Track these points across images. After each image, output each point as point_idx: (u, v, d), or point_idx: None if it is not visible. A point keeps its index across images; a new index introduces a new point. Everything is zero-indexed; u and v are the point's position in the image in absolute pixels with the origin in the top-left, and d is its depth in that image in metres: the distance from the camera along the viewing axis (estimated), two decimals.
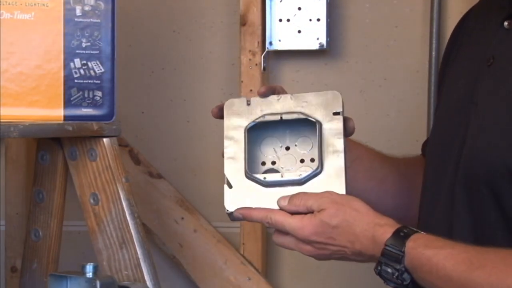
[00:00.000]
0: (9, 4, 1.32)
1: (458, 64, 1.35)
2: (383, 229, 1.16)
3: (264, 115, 1.28)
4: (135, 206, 1.39)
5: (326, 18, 1.91)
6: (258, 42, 1.92)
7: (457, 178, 1.22)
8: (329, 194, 1.21)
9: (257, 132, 1.28)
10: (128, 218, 1.37)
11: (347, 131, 1.30)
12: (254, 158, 1.27)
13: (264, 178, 1.24)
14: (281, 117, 1.28)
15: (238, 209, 1.25)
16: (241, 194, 1.25)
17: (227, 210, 1.26)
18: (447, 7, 1.89)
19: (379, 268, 1.15)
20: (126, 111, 1.98)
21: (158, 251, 2.00)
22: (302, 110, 1.27)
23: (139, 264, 1.37)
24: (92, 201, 1.40)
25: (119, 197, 1.37)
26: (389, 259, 1.14)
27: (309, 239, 1.19)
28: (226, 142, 1.27)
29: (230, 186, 1.26)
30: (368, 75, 1.96)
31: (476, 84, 1.24)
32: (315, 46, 1.92)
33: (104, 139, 1.38)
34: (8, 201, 1.95)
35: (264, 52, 1.92)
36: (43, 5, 1.33)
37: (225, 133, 1.28)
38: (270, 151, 1.30)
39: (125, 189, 1.38)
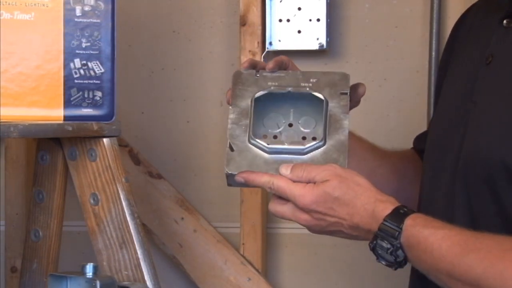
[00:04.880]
0: (9, 4, 1.32)
1: (457, 63, 1.35)
2: (384, 205, 1.17)
3: (271, 87, 1.29)
4: (135, 206, 1.39)
5: (326, 18, 1.91)
6: (258, 42, 1.92)
7: (456, 176, 1.23)
8: (332, 167, 1.20)
9: (262, 106, 1.28)
10: (128, 218, 1.37)
11: (357, 96, 1.32)
12: (257, 131, 1.27)
13: (268, 144, 1.24)
14: (289, 91, 1.28)
15: (240, 173, 1.23)
16: (242, 158, 1.24)
17: (227, 172, 1.24)
18: (447, 7, 1.89)
19: (374, 242, 1.16)
20: (126, 111, 1.98)
21: (158, 251, 2.00)
22: (310, 87, 1.28)
23: (139, 264, 1.37)
24: (92, 201, 1.40)
25: (119, 197, 1.37)
26: (385, 234, 1.14)
27: (309, 208, 1.19)
28: (231, 109, 1.28)
29: (232, 150, 1.25)
30: (368, 75, 1.96)
31: (475, 82, 1.25)
32: (315, 46, 1.92)
33: (104, 139, 1.38)
34: (8, 202, 1.96)
35: (264, 52, 1.92)
36: (43, 5, 1.33)
37: (231, 101, 1.28)
38: (273, 126, 1.29)
39: (125, 189, 1.38)
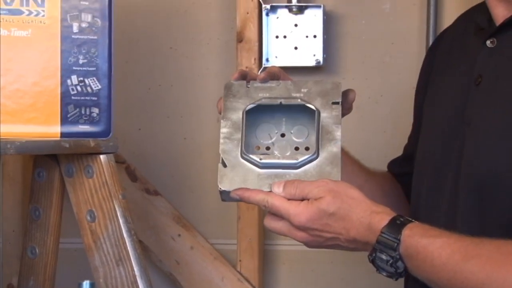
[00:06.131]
0: (6, 21, 1.32)
1: (441, 86, 1.37)
2: (380, 216, 1.17)
3: (263, 99, 1.28)
4: (132, 223, 1.38)
5: (323, 35, 1.92)
6: (254, 59, 1.92)
7: (457, 195, 1.24)
8: (324, 182, 1.20)
9: (254, 117, 1.28)
10: (125, 235, 1.37)
11: (348, 102, 1.32)
12: (249, 142, 1.27)
13: (260, 159, 1.24)
14: (280, 102, 1.28)
15: (235, 190, 1.23)
16: (235, 174, 1.24)
17: (220, 189, 1.24)
18: (442, 24, 1.90)
19: (373, 255, 1.16)
20: (123, 128, 1.98)
21: (155, 268, 2.00)
22: (302, 97, 1.28)
23: (135, 281, 1.36)
24: (88, 218, 1.39)
25: (115, 214, 1.37)
26: (384, 246, 1.14)
27: (305, 226, 1.19)
28: (222, 123, 1.28)
29: (224, 165, 1.25)
30: (365, 92, 1.96)
31: (466, 103, 1.26)
32: (311, 62, 1.93)
33: (101, 156, 1.38)
34: (4, 218, 1.95)
35: (261, 69, 1.92)
36: (40, 22, 1.34)
37: (223, 113, 1.28)
38: (265, 137, 1.30)
39: (122, 206, 1.37)
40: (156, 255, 1.99)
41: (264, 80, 1.30)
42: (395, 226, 1.15)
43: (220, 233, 2.04)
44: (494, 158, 1.19)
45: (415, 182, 1.37)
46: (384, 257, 1.14)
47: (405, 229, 1.14)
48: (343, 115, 1.29)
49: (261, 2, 1.90)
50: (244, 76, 1.31)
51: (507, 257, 1.08)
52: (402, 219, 1.16)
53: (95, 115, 1.37)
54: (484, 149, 1.21)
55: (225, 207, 1.92)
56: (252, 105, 1.28)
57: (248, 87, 1.30)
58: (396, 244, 1.14)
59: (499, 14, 1.27)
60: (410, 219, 1.17)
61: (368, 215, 1.17)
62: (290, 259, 2.03)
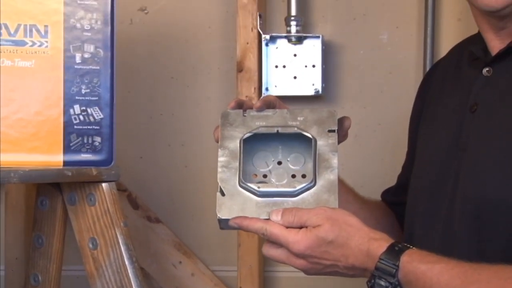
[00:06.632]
0: (10, 52, 1.33)
1: (436, 114, 1.39)
2: (378, 243, 1.17)
3: (260, 127, 1.29)
4: (134, 250, 1.39)
5: (322, 65, 1.93)
6: (254, 88, 1.93)
7: (453, 218, 1.25)
8: (323, 210, 1.20)
9: (251, 145, 1.28)
10: (127, 262, 1.37)
11: (343, 129, 1.32)
12: (246, 170, 1.27)
13: (258, 187, 1.24)
14: (277, 131, 1.28)
15: (233, 218, 1.23)
16: (233, 202, 1.24)
17: (219, 217, 1.24)
18: (439, 54, 1.91)
19: (372, 281, 1.16)
20: (125, 156, 1.99)
21: None
22: (298, 125, 1.29)
23: None
24: (90, 245, 1.40)
25: (117, 241, 1.37)
26: (383, 273, 1.15)
27: (304, 254, 1.19)
28: (220, 152, 1.28)
29: (222, 194, 1.25)
30: (363, 121, 1.97)
31: (461, 130, 1.28)
32: (310, 92, 1.94)
33: (103, 184, 1.38)
34: (7, 246, 1.96)
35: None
36: (44, 52, 1.35)
37: (220, 142, 1.29)
38: (262, 165, 1.30)
39: (124, 234, 1.38)
40: (158, 282, 2.00)
41: (260, 109, 1.31)
42: (394, 252, 1.15)
43: (220, 260, 2.04)
44: (490, 184, 1.20)
45: (409, 208, 1.38)
46: (383, 283, 1.15)
47: (403, 255, 1.15)
48: (339, 142, 1.30)
49: (261, 32, 1.92)
50: (241, 105, 1.32)
51: (506, 282, 1.08)
52: (400, 246, 1.16)
53: (97, 144, 1.38)
54: (480, 176, 1.22)
55: (225, 234, 1.93)
56: (249, 134, 1.29)
57: (244, 115, 1.30)
58: (394, 270, 1.14)
59: (495, 45, 1.29)
60: (408, 245, 1.17)
61: (367, 241, 1.18)
62: (290, 286, 2.04)
